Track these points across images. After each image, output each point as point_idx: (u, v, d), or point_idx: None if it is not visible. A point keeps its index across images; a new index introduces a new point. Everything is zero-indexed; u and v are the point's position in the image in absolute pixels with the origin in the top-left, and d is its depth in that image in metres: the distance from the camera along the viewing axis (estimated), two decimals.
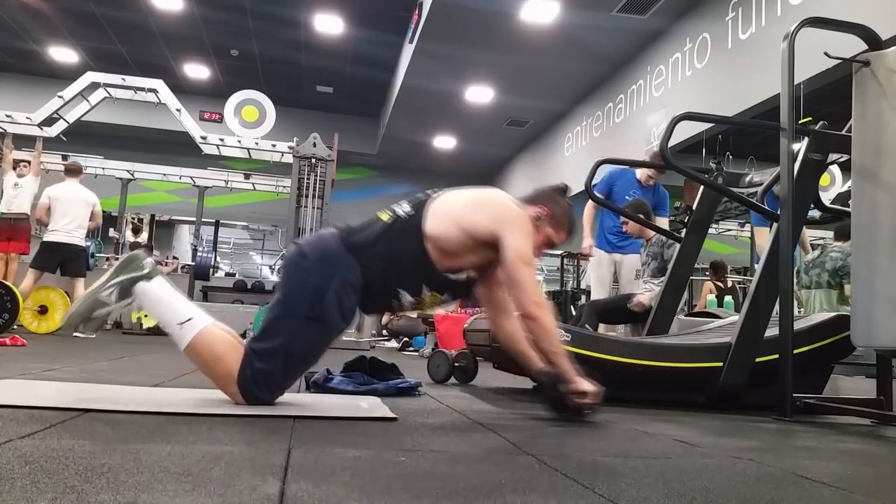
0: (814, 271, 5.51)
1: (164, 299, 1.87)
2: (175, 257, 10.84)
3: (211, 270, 9.64)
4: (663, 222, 4.35)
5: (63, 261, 6.18)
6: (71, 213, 6.33)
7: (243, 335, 2.24)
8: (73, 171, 6.65)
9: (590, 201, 4.82)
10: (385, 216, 1.97)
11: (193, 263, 9.11)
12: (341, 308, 1.84)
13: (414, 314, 7.20)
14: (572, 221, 2.16)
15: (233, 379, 1.78)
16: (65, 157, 8.75)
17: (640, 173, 4.71)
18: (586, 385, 1.95)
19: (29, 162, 7.05)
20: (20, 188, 6.89)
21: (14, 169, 6.97)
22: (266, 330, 1.84)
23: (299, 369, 1.89)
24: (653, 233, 4.20)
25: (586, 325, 3.91)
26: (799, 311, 6.71)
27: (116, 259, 8.30)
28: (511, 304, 2.08)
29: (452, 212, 1.94)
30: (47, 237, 6.17)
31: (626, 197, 4.64)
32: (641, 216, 4.13)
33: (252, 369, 1.78)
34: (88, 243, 6.77)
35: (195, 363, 1.86)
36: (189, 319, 1.82)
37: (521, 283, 1.90)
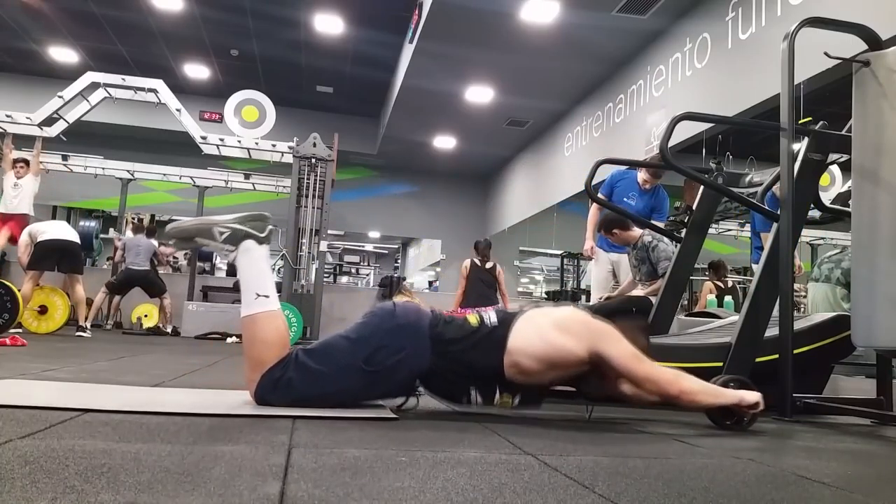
0: (826, 265, 5.51)
1: (260, 266, 1.91)
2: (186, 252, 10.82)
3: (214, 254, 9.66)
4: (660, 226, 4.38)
5: (60, 259, 6.18)
6: (62, 226, 6.33)
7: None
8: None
9: (593, 205, 4.88)
10: (473, 320, 1.96)
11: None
12: (391, 377, 1.85)
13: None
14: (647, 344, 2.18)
15: (264, 367, 1.79)
16: (65, 157, 8.76)
17: (640, 177, 4.74)
18: (750, 397, 2.03)
19: (25, 162, 7.05)
20: (20, 188, 6.89)
21: (12, 169, 6.97)
22: (320, 352, 1.85)
23: (319, 401, 1.85)
24: (640, 237, 4.23)
25: None
26: (799, 308, 6.73)
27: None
28: (630, 378, 2.01)
29: (540, 331, 1.92)
30: (42, 238, 6.12)
31: (625, 199, 4.67)
32: (628, 220, 4.24)
33: (284, 373, 1.79)
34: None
35: (245, 334, 1.87)
36: (267, 296, 1.87)
37: (650, 377, 1.91)
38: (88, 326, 6.10)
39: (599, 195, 4.69)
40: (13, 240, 6.84)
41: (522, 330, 1.92)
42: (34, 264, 6.07)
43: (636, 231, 4.27)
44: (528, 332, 1.91)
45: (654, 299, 4.26)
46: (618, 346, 1.92)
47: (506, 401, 1.97)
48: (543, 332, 1.92)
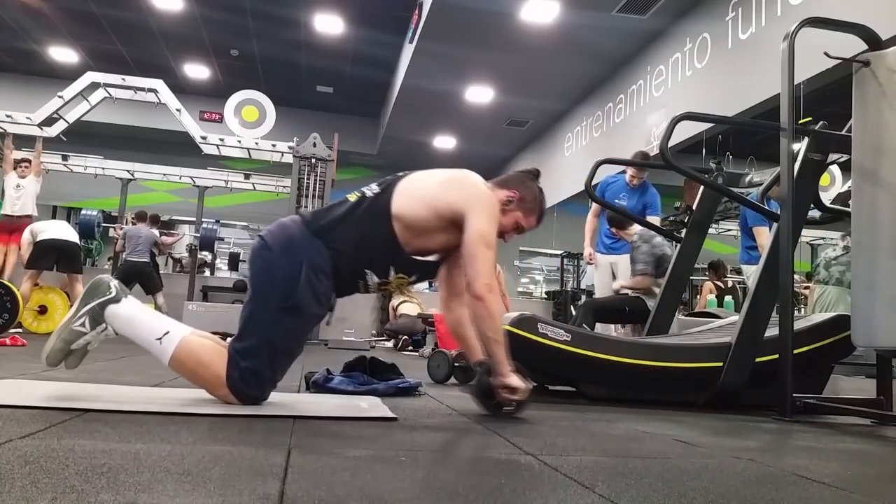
0: (836, 268, 5.49)
1: (137, 318, 1.85)
2: (189, 243, 10.82)
3: (216, 244, 9.63)
4: (654, 222, 4.41)
5: (59, 258, 6.17)
6: (61, 225, 6.33)
7: None
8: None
9: (590, 213, 4.99)
10: (352, 197, 1.96)
11: (199, 235, 9.12)
12: (315, 294, 1.83)
13: (414, 312, 7.21)
14: (542, 207, 2.14)
15: (222, 382, 1.78)
16: (65, 157, 8.76)
17: (627, 175, 4.80)
18: (515, 380, 1.95)
19: (29, 162, 7.05)
20: (22, 189, 6.89)
21: (15, 169, 6.96)
22: (244, 328, 1.83)
23: (286, 361, 1.87)
24: (634, 234, 4.27)
25: (583, 325, 3.92)
26: (800, 309, 6.73)
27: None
28: (463, 289, 2.04)
29: (421, 191, 1.93)
30: (42, 237, 6.12)
31: (617, 201, 4.75)
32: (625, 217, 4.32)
33: (238, 370, 1.78)
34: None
35: (182, 374, 1.85)
36: (166, 333, 1.81)
37: (477, 262, 1.87)
38: None
39: (608, 202, 4.78)
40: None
41: (404, 191, 1.91)
42: (32, 263, 6.08)
43: (633, 230, 4.34)
44: (410, 191, 1.91)
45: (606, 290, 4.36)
46: (480, 220, 1.89)
47: (401, 279, 1.97)
48: (425, 188, 1.93)
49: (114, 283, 1.87)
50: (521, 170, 2.19)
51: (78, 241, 6.43)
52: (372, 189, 1.96)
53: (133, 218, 8.18)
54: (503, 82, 9.17)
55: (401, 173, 2.01)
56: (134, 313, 1.85)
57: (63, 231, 6.25)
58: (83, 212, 10.83)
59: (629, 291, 4.22)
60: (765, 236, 4.63)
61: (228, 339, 1.87)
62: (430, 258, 1.98)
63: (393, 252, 1.90)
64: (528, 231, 2.16)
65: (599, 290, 4.99)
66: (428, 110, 10.35)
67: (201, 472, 1.04)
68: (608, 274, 4.92)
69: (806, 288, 7.95)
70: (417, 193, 1.92)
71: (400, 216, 1.88)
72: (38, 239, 6.08)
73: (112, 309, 1.83)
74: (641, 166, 4.74)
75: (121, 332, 1.85)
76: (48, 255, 6.10)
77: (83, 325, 1.81)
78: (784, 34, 2.62)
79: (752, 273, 4.74)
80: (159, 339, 1.81)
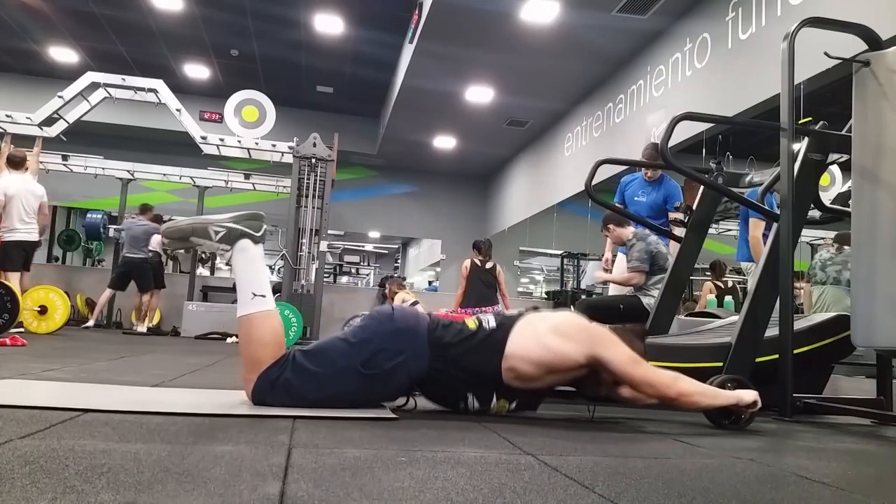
0: (832, 268, 5.50)
1: (256, 266, 1.91)
2: None
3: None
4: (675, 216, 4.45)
5: (27, 257, 6.17)
6: (29, 208, 6.16)
7: None
8: (17, 162, 6.33)
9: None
10: (471, 324, 1.97)
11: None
12: (389, 381, 1.85)
13: (411, 299, 7.25)
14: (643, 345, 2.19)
15: (260, 368, 1.79)
16: (65, 157, 8.76)
17: (644, 172, 4.82)
18: (748, 396, 2.06)
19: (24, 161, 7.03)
20: None
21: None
22: (320, 351, 1.85)
23: (316, 402, 1.85)
24: (630, 236, 4.29)
25: None
26: (799, 305, 6.74)
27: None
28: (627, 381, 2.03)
29: (538, 334, 1.93)
30: (11, 237, 6.00)
31: (636, 199, 4.77)
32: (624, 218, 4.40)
33: (281, 374, 1.79)
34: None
35: (241, 333, 1.87)
36: (263, 296, 1.86)
37: (647, 380, 1.93)
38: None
39: (615, 202, 4.85)
40: None
41: (520, 334, 1.93)
42: (8, 264, 6.00)
43: (628, 230, 4.36)
44: (526, 337, 1.92)
45: (622, 290, 4.36)
46: (615, 351, 1.93)
47: (502, 405, 1.98)
48: (541, 336, 1.92)
49: (265, 226, 1.97)
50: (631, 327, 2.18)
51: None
52: (489, 321, 1.98)
53: (137, 213, 8.17)
54: (503, 82, 9.17)
55: (516, 312, 2.03)
56: (256, 260, 1.92)
57: (29, 230, 6.19)
58: (89, 214, 10.83)
59: (614, 287, 4.24)
60: (758, 229, 4.64)
61: (228, 340, 1.88)
62: (535, 387, 1.99)
63: (497, 384, 1.92)
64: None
65: (613, 288, 5.03)
66: (428, 110, 10.35)
67: (201, 472, 1.04)
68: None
69: (799, 288, 7.95)
70: (533, 336, 1.92)
71: (511, 356, 1.89)
72: (8, 237, 5.98)
73: (246, 243, 1.90)
74: (641, 165, 4.76)
75: (236, 263, 1.91)
76: (20, 254, 6.05)
77: (217, 233, 1.88)
78: (784, 34, 2.62)
79: (752, 270, 4.75)
80: (255, 294, 1.85)
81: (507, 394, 1.95)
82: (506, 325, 1.96)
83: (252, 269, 1.90)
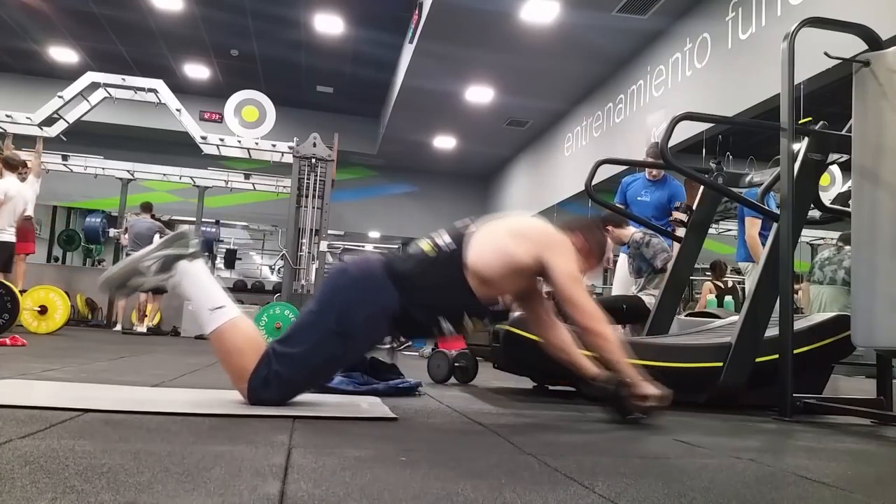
0: (829, 268, 5.50)
1: (203, 282, 1.89)
2: None
3: (215, 244, 9.66)
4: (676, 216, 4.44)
5: (9, 259, 6.20)
6: (17, 212, 6.21)
7: None
8: (14, 165, 6.37)
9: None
10: (427, 247, 1.98)
11: (198, 237, 9.17)
12: (368, 330, 1.86)
13: None
14: (604, 252, 2.22)
15: (247, 374, 1.79)
16: (65, 157, 8.76)
17: (648, 172, 4.80)
18: (649, 388, 1.99)
19: (27, 167, 7.04)
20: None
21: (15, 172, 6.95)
22: (292, 335, 1.86)
23: (312, 379, 1.89)
24: (628, 237, 4.27)
25: None
26: (798, 306, 6.73)
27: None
28: (553, 316, 2.15)
29: (494, 241, 1.96)
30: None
31: (639, 198, 4.75)
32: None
33: (269, 370, 1.78)
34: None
35: (215, 350, 1.86)
36: (221, 307, 1.85)
37: (577, 301, 1.95)
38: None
39: (615, 202, 4.82)
40: (29, 250, 6.85)
41: (477, 242, 1.95)
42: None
43: (629, 230, 4.35)
44: (483, 244, 1.94)
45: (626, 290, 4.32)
46: (562, 260, 1.95)
47: (476, 323, 2.00)
48: (498, 240, 1.96)
49: (196, 241, 1.93)
50: (589, 217, 2.28)
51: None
52: (445, 240, 1.98)
53: (138, 211, 8.18)
54: (503, 82, 9.17)
55: (471, 222, 2.04)
56: (201, 276, 1.89)
57: (11, 232, 6.21)
58: (88, 218, 10.83)
59: (617, 286, 4.19)
60: (755, 228, 4.64)
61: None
62: (502, 304, 2.03)
63: (467, 301, 1.93)
64: (587, 273, 2.22)
65: (618, 284, 5.02)
66: (428, 110, 10.34)
67: (201, 472, 1.04)
68: (623, 270, 4.95)
69: (798, 287, 7.94)
70: (492, 245, 1.95)
71: (474, 268, 1.91)
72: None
73: (185, 264, 1.87)
74: (641, 165, 4.76)
75: (182, 286, 1.88)
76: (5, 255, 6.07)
77: (151, 267, 1.85)
78: (784, 34, 2.61)
79: (749, 270, 4.75)
80: (213, 309, 1.84)
81: (477, 310, 1.96)
82: (460, 237, 1.97)
83: (200, 287, 1.87)
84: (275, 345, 1.84)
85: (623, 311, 4.16)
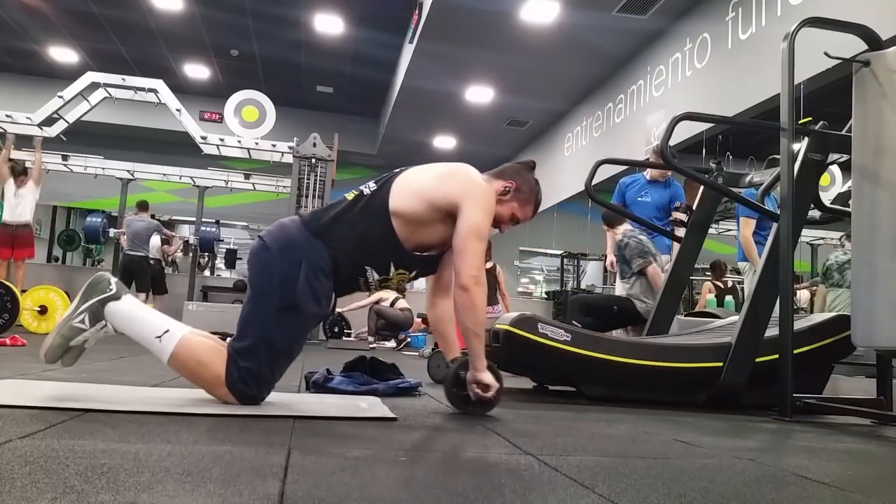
0: (850, 271, 5.48)
1: (138, 316, 1.84)
2: (183, 237, 10.82)
3: (215, 244, 9.65)
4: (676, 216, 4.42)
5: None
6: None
7: None
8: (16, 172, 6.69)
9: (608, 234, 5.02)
10: (350, 195, 1.96)
11: (198, 237, 9.16)
12: (314, 293, 1.83)
13: (403, 304, 7.25)
14: (538, 197, 2.14)
15: (221, 382, 1.78)
16: (65, 157, 8.76)
17: (650, 173, 4.78)
18: (488, 377, 1.95)
19: (25, 172, 7.05)
20: (21, 197, 6.91)
21: (15, 179, 6.96)
22: (243, 328, 1.83)
23: (284, 361, 1.87)
24: (619, 234, 4.25)
25: (573, 322, 3.87)
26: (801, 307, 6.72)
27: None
28: (451, 285, 2.04)
29: (417, 185, 1.93)
30: None
31: (639, 199, 4.74)
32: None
33: (238, 369, 1.78)
34: None
35: (181, 373, 1.84)
36: (166, 331, 1.81)
37: (467, 253, 1.87)
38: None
39: (613, 203, 4.79)
40: (29, 255, 6.88)
41: (401, 187, 1.92)
42: None
43: (620, 228, 4.31)
44: (406, 186, 1.91)
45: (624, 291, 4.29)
46: (474, 209, 1.89)
47: (402, 275, 1.97)
48: (421, 181, 1.93)
49: (113, 280, 1.87)
50: (518, 161, 2.21)
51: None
52: (369, 186, 1.97)
53: (135, 211, 8.19)
54: (503, 82, 9.16)
55: (397, 169, 2.02)
56: (134, 311, 1.84)
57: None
58: (89, 218, 10.83)
59: (619, 286, 4.18)
60: (748, 228, 4.64)
61: (228, 339, 1.87)
62: (431, 253, 1.99)
63: (393, 248, 1.90)
64: (524, 222, 2.16)
65: (621, 287, 5.02)
66: (428, 110, 10.34)
67: (201, 472, 1.04)
68: None
69: (813, 291, 7.92)
70: (414, 188, 1.92)
71: (398, 212, 1.88)
72: None
73: (112, 306, 1.82)
74: (641, 165, 4.76)
75: (120, 329, 1.84)
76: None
77: (83, 321, 1.80)
78: (784, 34, 2.61)
79: (748, 270, 4.74)
80: (159, 337, 1.80)
81: (404, 262, 1.94)
82: (385, 181, 1.94)
83: (137, 321, 1.83)
84: (233, 344, 1.82)
85: (614, 311, 4.15)
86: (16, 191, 6.87)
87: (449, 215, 1.91)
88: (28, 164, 7.11)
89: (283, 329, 1.82)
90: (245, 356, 1.78)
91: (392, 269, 1.94)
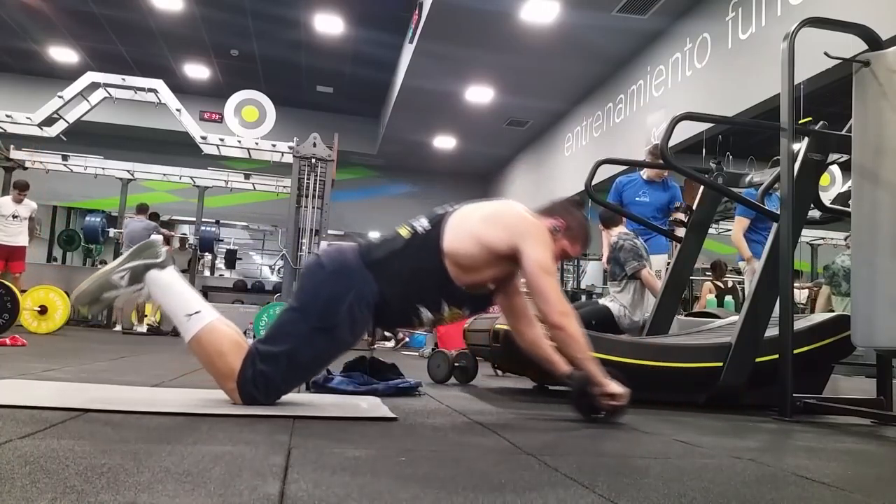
0: None
1: (175, 289, 1.88)
2: (182, 235, 10.83)
3: (215, 244, 9.67)
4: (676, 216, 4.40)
5: None
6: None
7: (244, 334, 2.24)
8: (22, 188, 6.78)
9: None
10: (404, 232, 1.95)
11: (198, 237, 9.17)
12: (352, 322, 1.84)
13: None
14: (588, 234, 2.16)
15: (233, 376, 1.78)
16: (65, 157, 8.76)
17: (646, 173, 4.77)
18: (615, 387, 1.96)
19: (26, 188, 7.06)
20: (18, 219, 6.92)
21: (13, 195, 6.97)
22: (274, 333, 1.84)
23: (300, 377, 1.88)
24: (614, 236, 4.22)
25: None
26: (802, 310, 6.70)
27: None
28: (530, 310, 2.09)
29: (470, 226, 1.93)
30: None
31: (637, 199, 4.72)
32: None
33: (254, 370, 1.78)
34: None
35: (198, 356, 1.86)
36: (197, 312, 1.83)
37: (544, 293, 1.91)
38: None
39: (608, 201, 4.77)
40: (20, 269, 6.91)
41: (453, 227, 1.92)
42: None
43: (615, 230, 4.28)
44: (458, 228, 1.92)
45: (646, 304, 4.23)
46: (536, 248, 1.91)
47: (455, 312, 1.98)
48: (472, 225, 1.93)
49: (164, 249, 1.90)
50: (566, 198, 2.23)
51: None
52: (422, 224, 1.96)
53: (135, 213, 8.19)
54: (503, 82, 9.17)
55: (450, 207, 2.02)
56: (173, 283, 1.88)
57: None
58: (88, 217, 10.83)
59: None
60: (740, 227, 4.63)
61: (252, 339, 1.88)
62: (482, 290, 1.99)
63: (444, 286, 1.91)
64: (574, 257, 2.19)
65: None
66: (428, 110, 10.35)
67: (201, 472, 1.04)
68: None
69: (816, 292, 7.89)
70: (468, 228, 1.92)
71: (451, 253, 1.89)
72: None
73: (154, 273, 1.86)
74: (641, 165, 4.75)
75: (155, 297, 1.87)
76: None
77: (122, 278, 1.84)
78: (784, 34, 2.61)
79: (746, 270, 4.74)
80: (189, 315, 1.83)
81: (456, 298, 1.94)
82: (438, 221, 1.94)
83: (172, 295, 1.86)
84: (258, 344, 1.83)
85: (593, 325, 4.10)
86: (14, 212, 6.87)
87: (502, 257, 1.93)
88: (32, 214, 7.09)
89: (313, 348, 1.83)
90: (266, 360, 1.79)
91: (444, 306, 1.95)
